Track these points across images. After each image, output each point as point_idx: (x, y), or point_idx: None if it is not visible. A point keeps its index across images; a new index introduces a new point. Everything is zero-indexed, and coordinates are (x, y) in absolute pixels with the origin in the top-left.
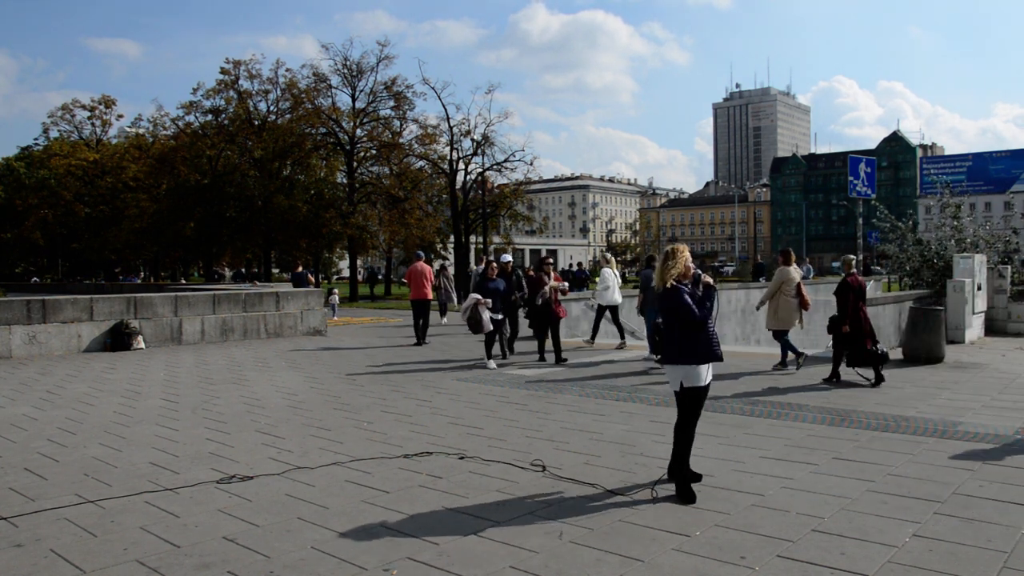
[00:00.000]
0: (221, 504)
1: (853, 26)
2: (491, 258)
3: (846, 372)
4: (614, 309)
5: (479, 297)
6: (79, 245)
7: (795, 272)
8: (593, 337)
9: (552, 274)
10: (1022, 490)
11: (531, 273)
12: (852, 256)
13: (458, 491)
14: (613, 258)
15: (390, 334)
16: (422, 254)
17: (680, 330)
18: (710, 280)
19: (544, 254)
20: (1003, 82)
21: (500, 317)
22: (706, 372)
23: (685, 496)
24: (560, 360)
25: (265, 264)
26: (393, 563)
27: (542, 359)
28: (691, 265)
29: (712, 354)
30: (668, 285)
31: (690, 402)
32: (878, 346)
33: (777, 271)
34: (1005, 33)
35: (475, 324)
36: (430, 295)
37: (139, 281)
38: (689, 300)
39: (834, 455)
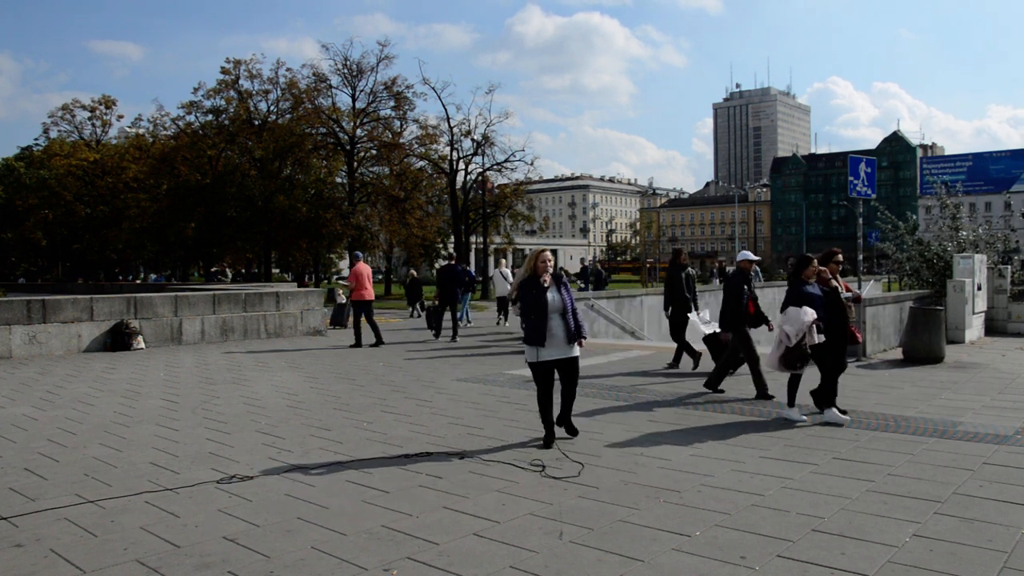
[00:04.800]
0: (221, 504)
1: (848, 28)
2: (809, 253)
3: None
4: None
5: (813, 314)
6: (80, 246)
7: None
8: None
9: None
10: (1022, 490)
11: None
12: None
13: (458, 491)
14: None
15: (392, 335)
16: (360, 255)
17: (529, 316)
18: (556, 278)
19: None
20: (995, 85)
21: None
22: (537, 353)
23: (547, 443)
24: (835, 405)
25: (265, 264)
26: (393, 563)
27: (832, 406)
28: (544, 265)
29: (535, 339)
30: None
31: (534, 374)
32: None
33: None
34: (996, 38)
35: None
36: (372, 296)
37: (163, 281)
38: (524, 293)
39: (834, 455)
